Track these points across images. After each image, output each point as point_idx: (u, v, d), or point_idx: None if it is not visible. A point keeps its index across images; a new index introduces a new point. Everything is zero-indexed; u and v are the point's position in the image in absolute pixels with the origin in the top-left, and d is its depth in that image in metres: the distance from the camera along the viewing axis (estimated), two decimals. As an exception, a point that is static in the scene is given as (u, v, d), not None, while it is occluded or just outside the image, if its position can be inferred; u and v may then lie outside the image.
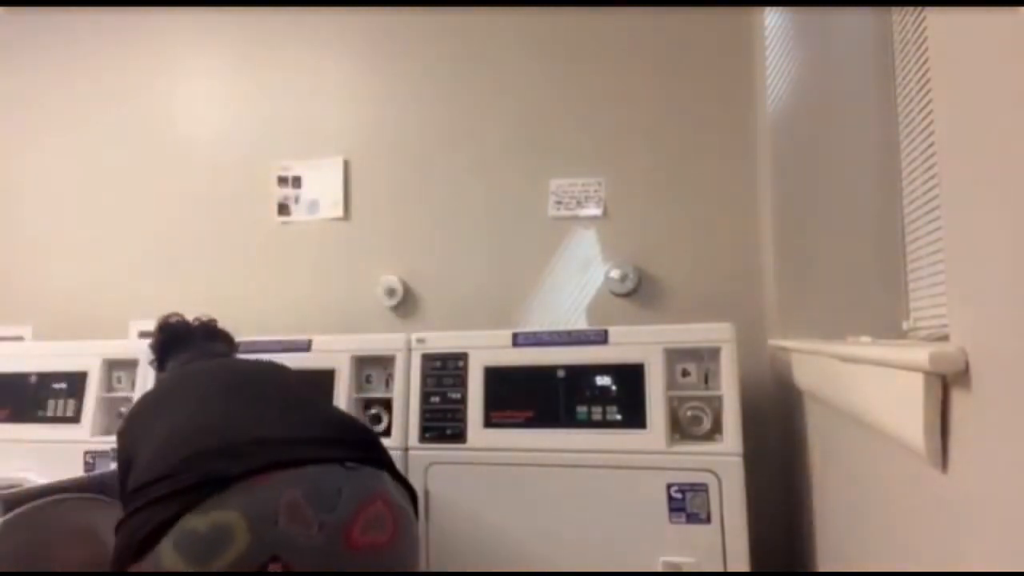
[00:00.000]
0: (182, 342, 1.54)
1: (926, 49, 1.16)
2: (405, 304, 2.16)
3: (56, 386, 1.89)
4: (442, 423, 1.59)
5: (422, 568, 1.52)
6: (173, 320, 1.58)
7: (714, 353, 1.48)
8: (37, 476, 1.70)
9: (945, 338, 0.65)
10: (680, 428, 1.48)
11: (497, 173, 2.13)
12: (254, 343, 1.78)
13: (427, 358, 1.65)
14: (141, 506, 0.92)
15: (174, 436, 1.04)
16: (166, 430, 1.07)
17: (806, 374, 1.26)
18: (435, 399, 1.61)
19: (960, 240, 0.62)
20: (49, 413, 1.87)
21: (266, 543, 0.88)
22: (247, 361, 1.49)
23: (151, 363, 1.60)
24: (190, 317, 1.59)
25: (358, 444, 1.09)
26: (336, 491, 0.96)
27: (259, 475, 0.92)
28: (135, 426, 1.18)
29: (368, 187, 2.24)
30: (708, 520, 1.38)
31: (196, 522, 0.87)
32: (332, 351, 1.72)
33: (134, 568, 0.87)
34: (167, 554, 0.85)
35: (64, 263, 2.50)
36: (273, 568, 0.87)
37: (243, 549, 0.86)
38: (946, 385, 0.62)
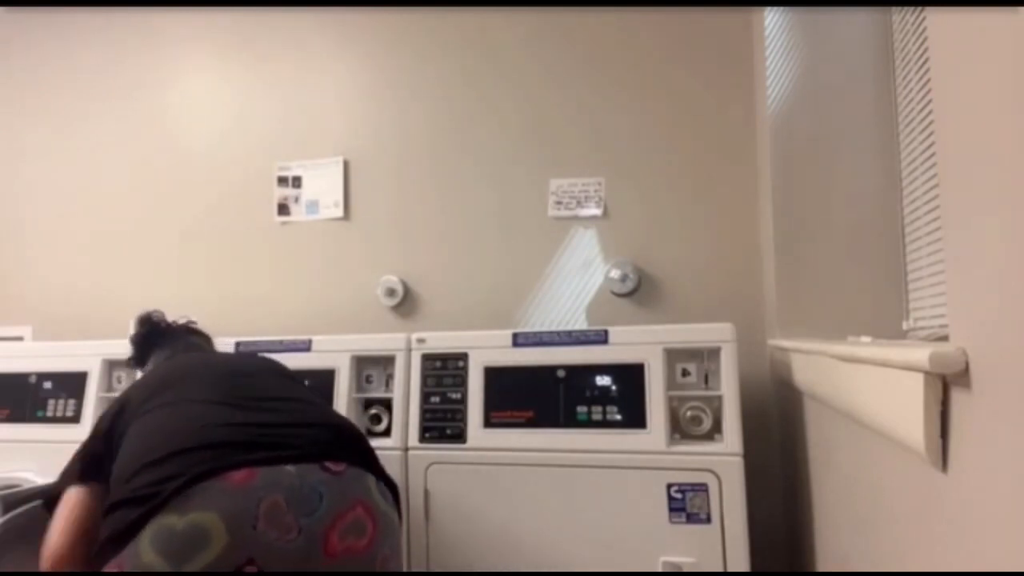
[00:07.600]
0: (162, 337, 1.59)
1: (926, 49, 1.16)
2: (405, 304, 2.16)
3: (56, 386, 1.89)
4: (442, 423, 1.59)
5: (424, 568, 1.52)
6: (155, 317, 1.64)
7: (714, 353, 1.47)
8: (37, 476, 1.71)
9: (945, 338, 0.65)
10: (680, 428, 1.48)
11: (497, 173, 2.13)
12: (254, 343, 1.78)
13: (427, 358, 1.65)
14: (122, 500, 0.93)
15: (159, 432, 1.05)
16: (154, 424, 1.09)
17: (806, 374, 1.26)
18: (435, 399, 1.61)
19: (960, 240, 0.62)
20: (49, 413, 1.87)
21: (242, 546, 0.88)
22: (234, 355, 1.51)
23: (129, 361, 1.64)
24: (169, 318, 1.67)
25: (343, 445, 1.09)
26: (318, 496, 0.96)
27: (235, 472, 0.93)
28: (126, 412, 1.18)
29: (368, 187, 2.24)
30: (708, 520, 1.38)
31: (174, 520, 0.88)
32: (332, 351, 1.72)
33: (113, 559, 0.88)
34: (145, 549, 0.87)
35: (64, 263, 2.50)
36: (249, 570, 0.88)
37: (219, 551, 0.87)
38: (946, 385, 0.62)
